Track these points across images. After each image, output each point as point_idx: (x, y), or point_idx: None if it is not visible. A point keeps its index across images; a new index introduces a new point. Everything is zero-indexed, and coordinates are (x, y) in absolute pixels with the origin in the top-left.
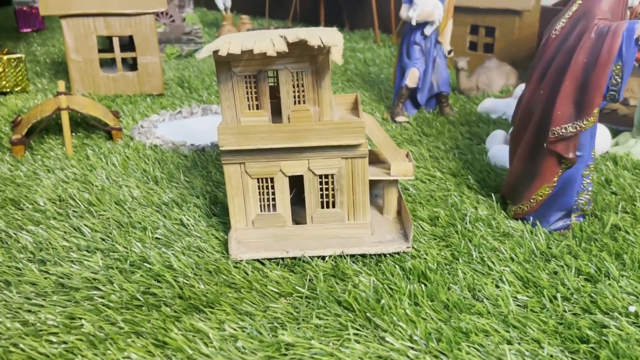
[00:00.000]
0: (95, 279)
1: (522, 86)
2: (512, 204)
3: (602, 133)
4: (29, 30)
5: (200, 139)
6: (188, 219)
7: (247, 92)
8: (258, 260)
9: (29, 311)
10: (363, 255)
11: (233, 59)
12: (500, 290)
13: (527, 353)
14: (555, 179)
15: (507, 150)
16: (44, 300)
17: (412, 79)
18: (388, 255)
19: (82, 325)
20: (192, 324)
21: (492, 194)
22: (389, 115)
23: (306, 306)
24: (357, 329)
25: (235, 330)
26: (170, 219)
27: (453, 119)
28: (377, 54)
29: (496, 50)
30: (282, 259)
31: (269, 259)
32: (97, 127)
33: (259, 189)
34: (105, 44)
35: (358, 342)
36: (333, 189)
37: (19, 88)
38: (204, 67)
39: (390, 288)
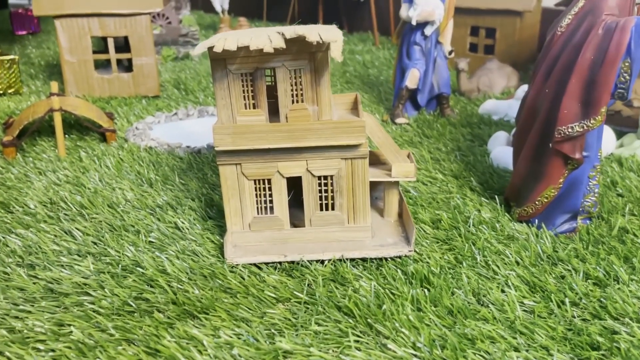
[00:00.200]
0: (85, 284)
1: (524, 87)
2: (517, 206)
3: (607, 134)
4: (24, 32)
5: (196, 141)
6: (183, 222)
7: (244, 91)
8: (255, 265)
9: (16, 317)
10: (363, 259)
11: (229, 56)
12: (506, 295)
13: None
14: (561, 180)
15: (510, 152)
16: (32, 306)
17: (412, 79)
18: (389, 259)
19: (71, 332)
20: (186, 331)
21: (496, 196)
22: (389, 117)
23: (305, 312)
24: (358, 336)
25: (231, 337)
26: (165, 222)
27: (454, 121)
28: (376, 56)
29: (497, 51)
30: (280, 263)
31: (266, 263)
32: (90, 129)
33: (255, 190)
34: (100, 45)
35: (359, 350)
36: (332, 191)
37: (12, 90)
38: (201, 69)
39: (392, 293)
